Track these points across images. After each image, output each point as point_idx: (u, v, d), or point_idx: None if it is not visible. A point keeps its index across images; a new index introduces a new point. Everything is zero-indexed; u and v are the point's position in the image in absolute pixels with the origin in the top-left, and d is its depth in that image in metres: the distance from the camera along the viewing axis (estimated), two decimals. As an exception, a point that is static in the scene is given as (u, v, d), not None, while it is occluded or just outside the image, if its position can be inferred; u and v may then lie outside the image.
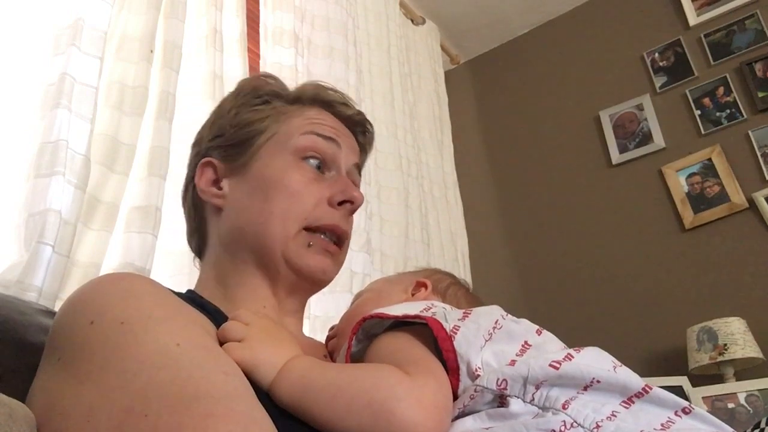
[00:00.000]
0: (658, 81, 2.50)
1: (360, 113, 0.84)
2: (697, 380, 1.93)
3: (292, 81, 1.69)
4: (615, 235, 2.41)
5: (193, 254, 0.83)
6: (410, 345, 0.58)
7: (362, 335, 0.62)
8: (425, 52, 2.68)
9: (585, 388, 0.51)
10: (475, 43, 3.05)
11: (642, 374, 0.61)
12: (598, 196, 2.51)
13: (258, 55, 1.76)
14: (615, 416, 0.49)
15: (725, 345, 1.84)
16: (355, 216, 0.81)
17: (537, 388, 0.51)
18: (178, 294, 0.65)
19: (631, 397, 0.50)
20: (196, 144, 0.83)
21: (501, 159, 2.86)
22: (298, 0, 1.88)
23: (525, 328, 0.60)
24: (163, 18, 1.32)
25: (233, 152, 0.76)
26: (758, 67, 2.30)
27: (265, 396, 0.54)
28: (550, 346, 0.59)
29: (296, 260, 0.71)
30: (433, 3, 2.77)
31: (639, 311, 2.23)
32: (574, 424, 0.48)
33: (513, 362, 0.54)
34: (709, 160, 2.28)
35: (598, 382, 0.51)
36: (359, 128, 0.84)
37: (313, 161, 0.75)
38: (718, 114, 2.33)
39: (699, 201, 2.26)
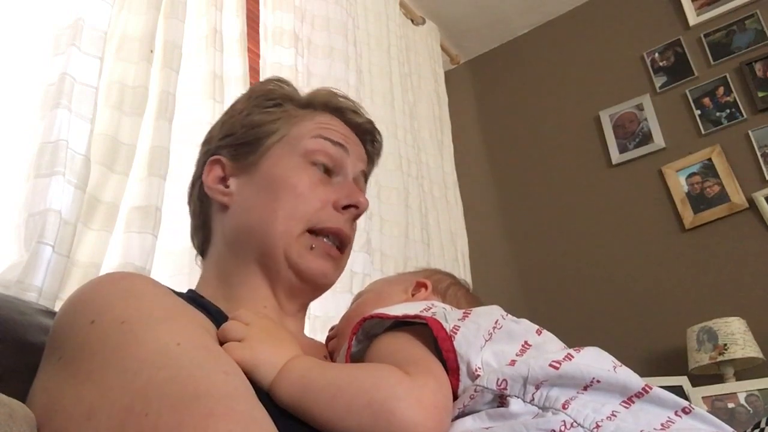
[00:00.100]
0: (658, 81, 2.50)
1: (370, 122, 0.85)
2: (697, 380, 1.93)
3: (292, 81, 1.70)
4: (615, 235, 2.41)
5: (194, 253, 0.83)
6: (410, 345, 0.58)
7: (362, 335, 0.62)
8: (425, 52, 2.68)
9: (585, 388, 0.51)
10: (475, 43, 3.05)
11: (642, 374, 0.61)
12: (598, 196, 2.51)
13: (258, 55, 1.76)
14: (615, 416, 0.49)
15: (725, 345, 1.84)
16: (355, 216, 0.81)
17: (537, 388, 0.51)
18: (179, 294, 0.65)
19: (631, 397, 0.50)
20: (206, 142, 0.84)
21: (501, 159, 2.86)
22: (298, 0, 1.88)
23: (525, 328, 0.60)
24: (163, 18, 1.32)
25: (243, 151, 0.77)
26: (758, 67, 2.30)
27: (266, 396, 0.54)
28: (550, 346, 0.59)
29: (298, 262, 0.71)
30: (433, 3, 2.77)
31: (639, 311, 2.23)
32: (574, 424, 0.48)
33: (513, 362, 0.54)
34: (709, 160, 2.28)
35: (598, 382, 0.51)
36: (368, 137, 0.85)
37: (321, 165, 0.76)
38: (718, 114, 2.33)
39: (699, 201, 2.26)
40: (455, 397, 0.55)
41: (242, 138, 0.77)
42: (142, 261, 1.12)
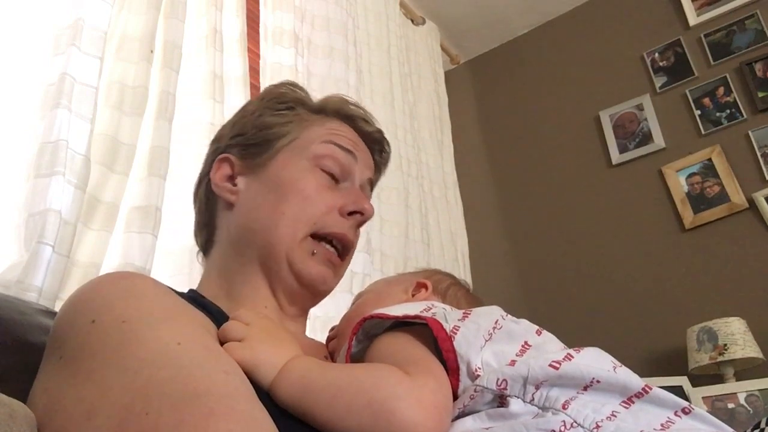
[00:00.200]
0: (658, 81, 2.50)
1: (379, 131, 0.86)
2: (697, 380, 1.93)
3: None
4: (615, 235, 2.41)
5: (194, 253, 0.83)
6: (410, 345, 0.58)
7: (362, 336, 0.62)
8: (425, 52, 2.68)
9: (585, 388, 0.51)
10: (475, 43, 3.05)
11: (642, 374, 0.61)
12: (598, 196, 2.51)
13: (258, 55, 1.76)
14: (615, 416, 0.49)
15: (725, 345, 1.84)
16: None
17: (537, 388, 0.51)
18: (180, 293, 0.65)
19: (631, 397, 0.50)
20: (216, 140, 0.84)
21: (501, 159, 2.86)
22: (298, 0, 1.88)
23: (525, 328, 0.60)
24: (163, 18, 1.32)
25: (252, 151, 0.77)
26: (758, 67, 2.30)
27: (266, 396, 0.54)
28: (550, 346, 0.59)
29: (298, 265, 0.71)
30: (433, 3, 2.78)
31: (639, 311, 2.23)
32: (574, 424, 0.48)
33: (513, 362, 0.54)
34: (709, 160, 2.28)
35: (598, 382, 0.51)
36: (377, 146, 0.86)
37: (329, 170, 0.76)
38: (718, 114, 2.33)
39: (699, 201, 2.26)
40: (455, 397, 0.55)
41: (253, 138, 0.78)
42: (142, 261, 1.12)
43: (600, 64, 2.68)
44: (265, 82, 1.70)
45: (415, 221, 2.07)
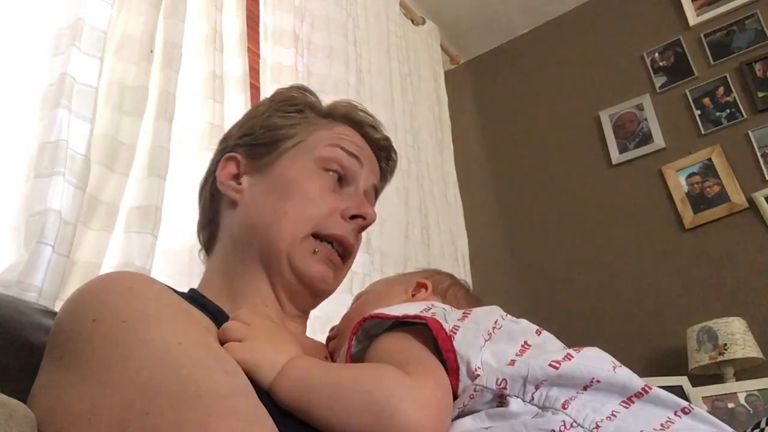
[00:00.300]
0: (658, 81, 2.50)
1: (387, 139, 0.86)
2: (697, 380, 1.93)
3: (292, 81, 1.70)
4: (615, 235, 2.41)
5: (194, 253, 0.84)
6: (410, 345, 0.58)
7: (362, 336, 0.62)
8: (425, 53, 2.68)
9: (585, 388, 0.51)
10: (475, 43, 3.05)
11: (642, 374, 0.61)
12: (598, 196, 2.51)
13: (258, 55, 1.76)
14: (615, 416, 0.49)
15: (725, 345, 1.84)
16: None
17: (537, 387, 0.51)
18: (180, 293, 0.65)
19: (631, 397, 0.50)
20: (224, 140, 0.85)
21: (501, 159, 2.86)
22: (298, 0, 1.88)
23: (524, 328, 0.61)
24: (163, 18, 1.32)
25: (259, 151, 0.78)
26: (758, 67, 2.30)
27: (266, 396, 0.54)
28: (550, 346, 0.59)
29: (299, 264, 0.72)
30: (433, 3, 2.78)
31: (639, 311, 2.23)
32: (574, 423, 0.48)
33: (513, 362, 0.54)
34: (709, 160, 2.28)
35: (598, 381, 0.51)
36: (384, 153, 0.86)
37: (333, 173, 0.77)
38: (718, 114, 2.33)
39: (699, 201, 2.26)
40: (455, 397, 0.55)
41: (260, 138, 0.78)
42: (142, 261, 1.12)
43: (600, 64, 2.68)
44: (265, 82, 1.70)
45: (415, 221, 2.07)
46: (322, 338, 0.82)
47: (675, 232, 2.29)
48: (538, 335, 0.60)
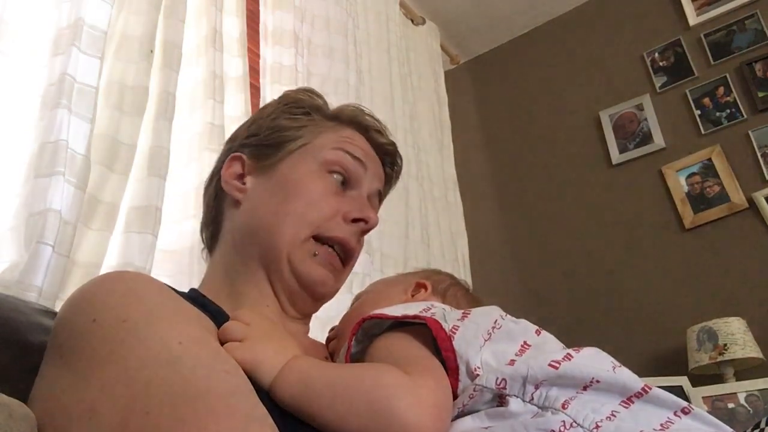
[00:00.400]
0: (658, 81, 2.50)
1: (393, 144, 0.87)
2: (697, 380, 1.93)
3: (292, 81, 1.70)
4: (615, 235, 2.41)
5: (196, 250, 0.84)
6: (409, 345, 0.58)
7: (362, 336, 0.62)
8: (425, 52, 2.68)
9: (584, 388, 0.51)
10: (475, 43, 3.05)
11: (642, 374, 0.61)
12: (598, 196, 2.51)
13: (258, 55, 1.76)
14: (614, 416, 0.49)
15: (725, 345, 1.84)
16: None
17: (536, 387, 0.51)
18: (180, 293, 0.65)
19: (631, 397, 0.50)
20: (231, 140, 0.85)
21: (501, 159, 2.86)
22: (298, 0, 1.88)
23: (524, 328, 0.61)
24: (163, 18, 1.32)
25: (264, 152, 0.78)
26: (758, 67, 2.30)
27: (266, 396, 0.54)
28: (550, 346, 0.59)
29: (299, 266, 0.72)
30: (433, 3, 2.78)
31: (639, 311, 2.23)
32: (574, 423, 0.48)
33: (512, 362, 0.54)
34: (709, 160, 2.28)
35: (598, 381, 0.51)
36: (389, 158, 0.87)
37: (337, 176, 0.77)
38: (718, 114, 2.33)
39: (699, 201, 2.26)
40: (455, 397, 0.55)
41: (266, 139, 0.79)
42: (142, 261, 1.12)
43: (600, 64, 2.68)
44: (265, 82, 1.70)
45: (415, 221, 2.07)
46: (322, 338, 0.82)
47: (675, 232, 2.29)
48: (538, 335, 0.60)
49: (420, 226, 2.09)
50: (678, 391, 1.83)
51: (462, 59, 3.09)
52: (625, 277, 2.32)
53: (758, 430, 0.69)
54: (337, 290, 0.78)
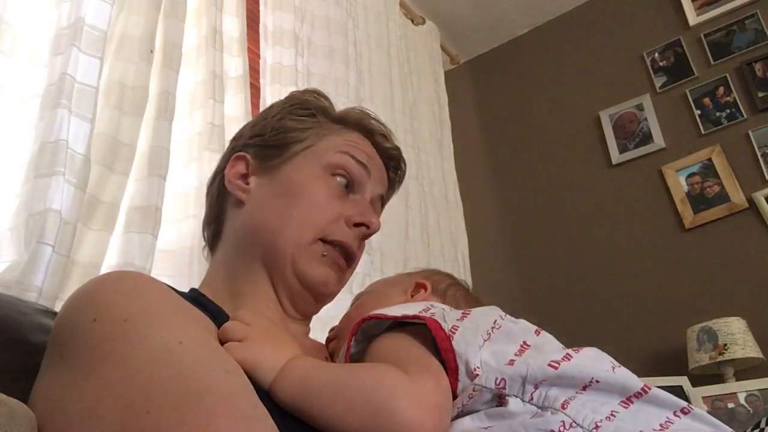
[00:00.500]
0: (658, 81, 2.50)
1: (397, 149, 0.87)
2: (697, 380, 1.93)
3: (292, 81, 1.70)
4: (615, 235, 2.41)
5: (196, 250, 0.84)
6: (409, 345, 0.58)
7: (361, 336, 0.62)
8: (425, 52, 2.68)
9: (584, 388, 0.51)
10: (475, 43, 3.05)
11: (642, 374, 0.61)
12: (598, 196, 2.51)
13: (258, 55, 1.76)
14: (614, 416, 0.49)
15: (725, 345, 1.84)
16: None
17: (536, 387, 0.51)
18: (181, 293, 0.65)
19: (630, 397, 0.50)
20: (235, 139, 0.85)
21: (501, 159, 2.86)
22: (298, 0, 1.88)
23: (523, 328, 0.61)
24: (163, 18, 1.32)
25: (268, 153, 0.78)
26: (758, 67, 2.30)
27: (266, 396, 0.54)
28: (549, 346, 0.59)
29: (303, 267, 0.72)
30: (433, 3, 2.78)
31: (639, 311, 2.23)
32: (573, 424, 0.48)
33: (512, 362, 0.54)
34: (709, 160, 2.28)
35: (597, 382, 0.51)
36: (393, 163, 0.87)
37: (341, 180, 0.77)
38: (718, 114, 2.33)
39: (699, 201, 2.26)
40: (454, 397, 0.55)
41: (271, 140, 0.78)
42: (142, 261, 1.12)
43: (600, 64, 2.68)
44: (265, 82, 1.70)
45: (415, 221, 2.07)
46: (322, 338, 0.82)
47: (675, 232, 2.29)
48: (537, 335, 0.60)
49: (420, 226, 2.09)
50: (678, 391, 1.83)
51: (462, 59, 3.09)
52: (624, 277, 2.32)
53: (758, 430, 0.69)
54: (338, 291, 0.78)
